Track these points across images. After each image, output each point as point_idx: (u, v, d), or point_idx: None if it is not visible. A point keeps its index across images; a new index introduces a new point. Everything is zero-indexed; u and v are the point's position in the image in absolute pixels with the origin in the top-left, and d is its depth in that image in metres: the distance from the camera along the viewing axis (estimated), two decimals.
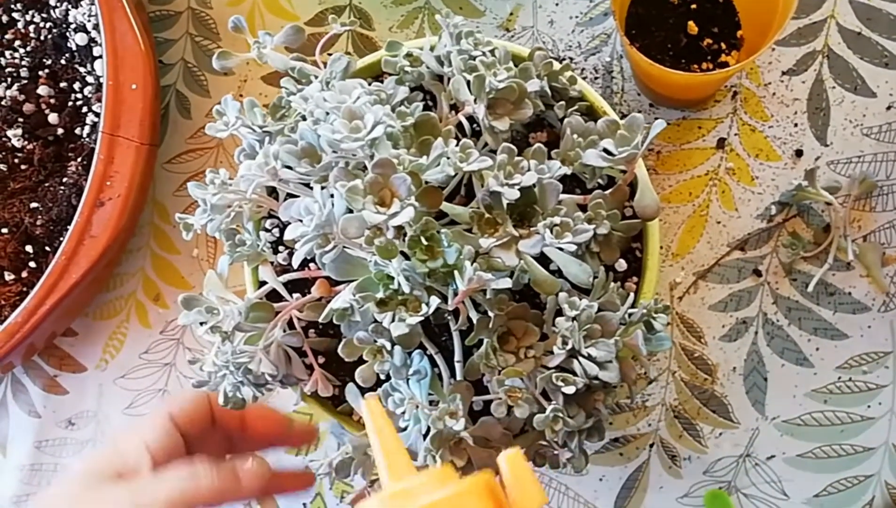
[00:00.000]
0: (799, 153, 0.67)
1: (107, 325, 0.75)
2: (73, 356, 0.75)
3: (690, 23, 0.65)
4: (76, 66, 0.74)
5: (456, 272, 0.40)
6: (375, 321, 0.43)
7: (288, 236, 0.43)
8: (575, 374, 0.45)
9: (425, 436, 0.46)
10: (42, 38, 0.75)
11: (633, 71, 0.68)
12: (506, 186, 0.42)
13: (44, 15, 0.75)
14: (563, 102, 0.53)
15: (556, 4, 0.71)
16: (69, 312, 0.72)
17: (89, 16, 0.71)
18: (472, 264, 0.40)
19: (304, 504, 0.70)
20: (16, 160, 0.74)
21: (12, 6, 0.75)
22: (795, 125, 0.67)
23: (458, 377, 0.49)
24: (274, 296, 0.54)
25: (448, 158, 0.42)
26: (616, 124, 0.47)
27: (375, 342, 0.46)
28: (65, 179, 0.71)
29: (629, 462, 0.67)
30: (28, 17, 0.75)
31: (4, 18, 0.75)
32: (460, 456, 0.46)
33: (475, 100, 0.48)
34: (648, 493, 0.66)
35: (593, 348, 0.44)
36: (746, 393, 0.66)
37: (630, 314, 0.47)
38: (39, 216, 0.71)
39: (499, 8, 0.72)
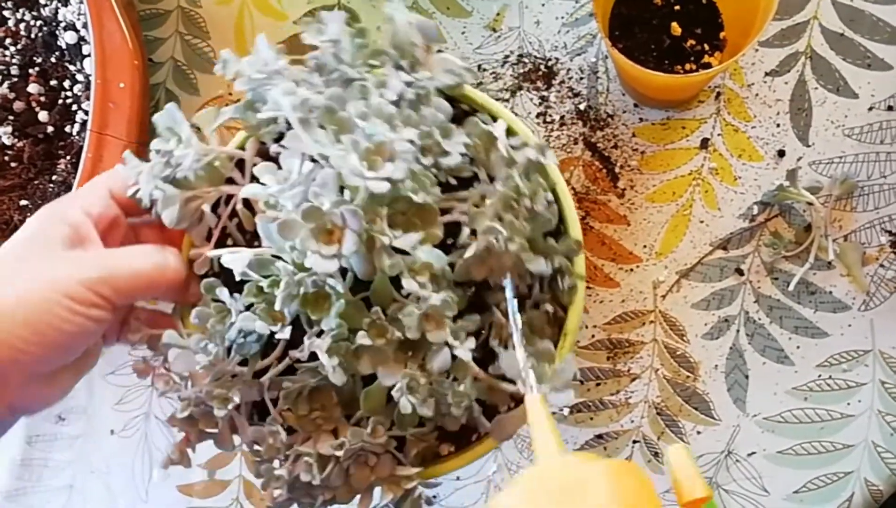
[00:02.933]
0: (781, 154, 0.67)
1: None
2: None
3: (674, 24, 0.65)
4: (66, 64, 0.74)
5: None
6: None
7: None
8: None
9: None
10: (32, 36, 0.75)
11: (618, 72, 0.68)
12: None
13: (34, 13, 0.75)
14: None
15: (543, 5, 0.71)
16: None
17: (79, 14, 0.72)
18: None
19: None
20: (5, 158, 0.74)
21: (3, 4, 0.75)
22: (778, 126, 0.68)
23: None
24: None
25: None
26: None
27: None
28: (54, 177, 0.72)
29: (612, 457, 0.67)
30: (19, 16, 0.75)
31: None
32: None
33: None
34: None
35: None
36: (728, 391, 0.67)
37: None
38: (28, 214, 0.71)
39: (486, 8, 0.72)
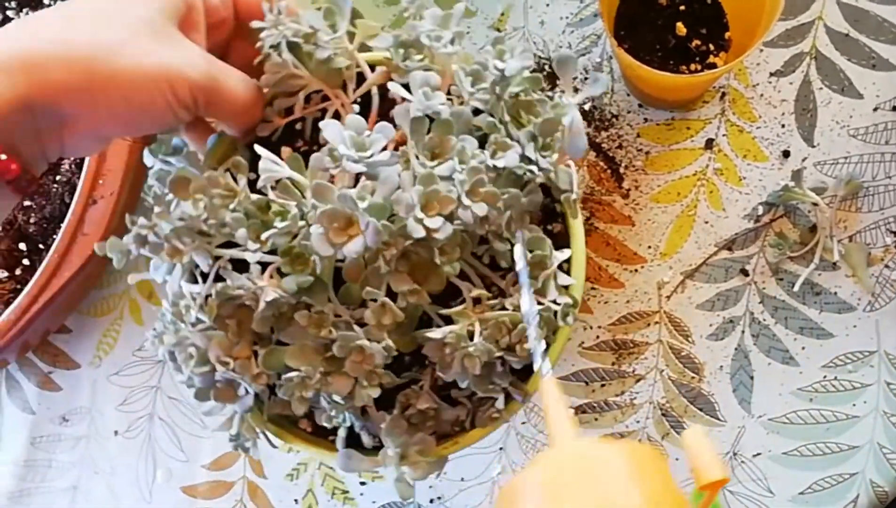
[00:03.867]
0: (786, 154, 0.67)
1: (101, 322, 0.75)
2: (67, 353, 0.76)
3: (679, 24, 0.65)
4: None
5: None
6: None
7: None
8: None
9: None
10: None
11: (623, 72, 0.68)
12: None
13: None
14: None
15: (547, 5, 0.71)
16: (63, 309, 0.72)
17: None
18: None
19: (296, 500, 0.71)
20: None
21: (6, 3, 0.75)
22: (783, 126, 0.68)
23: None
24: None
25: None
26: None
27: None
28: (58, 177, 0.72)
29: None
30: (22, 15, 0.75)
31: None
32: None
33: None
34: None
35: None
36: (733, 391, 0.66)
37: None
38: (32, 214, 0.71)
39: (490, 8, 0.72)
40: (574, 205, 0.49)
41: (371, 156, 0.45)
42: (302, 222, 0.45)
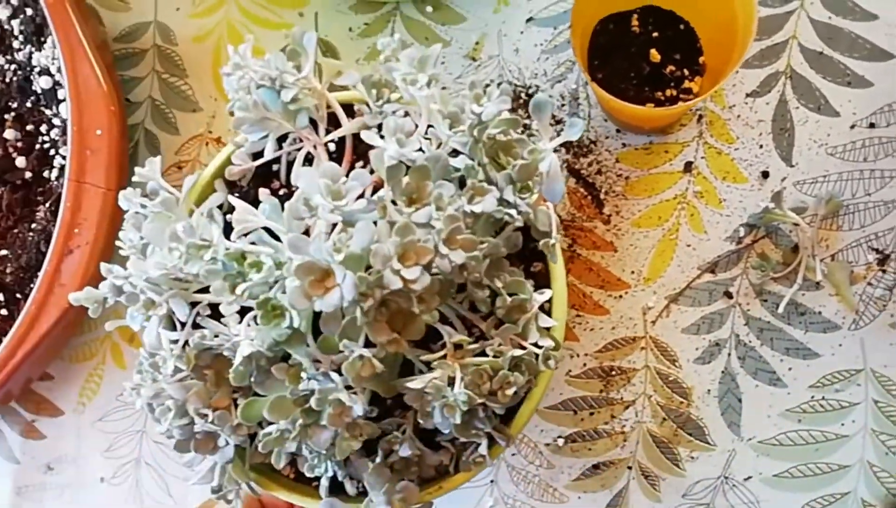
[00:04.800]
0: (765, 175, 0.67)
1: (83, 368, 0.75)
2: (51, 400, 0.75)
3: (653, 51, 0.65)
4: (42, 108, 0.73)
5: None
6: None
7: None
8: None
9: None
10: (6, 80, 0.74)
11: (598, 100, 0.68)
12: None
13: (8, 57, 0.74)
14: None
15: (521, 32, 0.71)
16: (43, 358, 0.72)
17: (52, 58, 0.71)
18: None
19: None
20: None
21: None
22: (761, 147, 0.67)
23: None
24: None
25: None
26: None
27: None
28: (33, 225, 0.71)
29: (609, 487, 0.67)
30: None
31: None
32: None
33: None
34: None
35: None
36: (722, 415, 0.66)
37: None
38: (9, 264, 0.70)
39: (464, 38, 0.72)
40: (553, 249, 0.48)
41: (347, 204, 0.44)
42: (279, 272, 0.45)
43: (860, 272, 0.66)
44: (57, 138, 0.72)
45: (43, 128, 0.73)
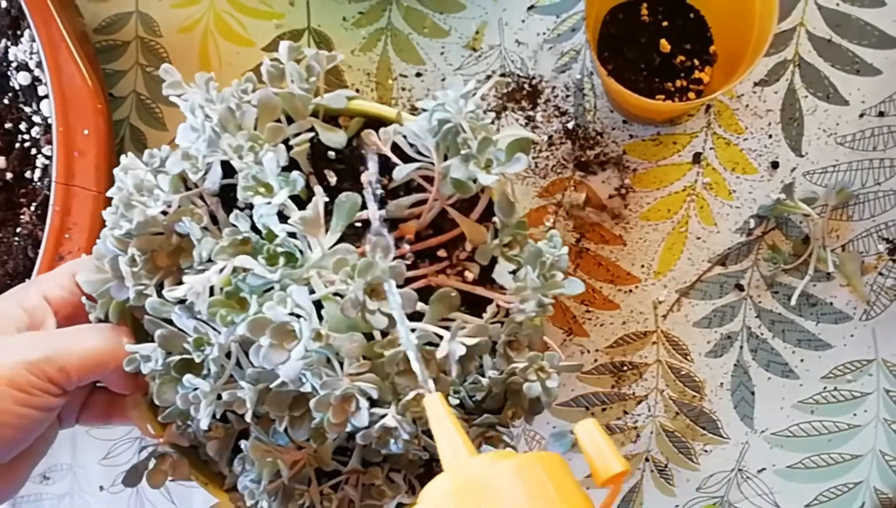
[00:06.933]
0: (775, 165, 0.66)
1: None
2: None
3: (663, 41, 0.64)
4: (21, 105, 0.69)
5: None
6: None
7: None
8: None
9: None
10: None
11: (606, 91, 0.66)
12: None
13: None
14: None
15: (523, 21, 0.69)
16: None
17: (30, 53, 0.67)
18: None
19: None
20: None
21: None
22: (770, 137, 0.67)
23: None
24: None
25: None
26: None
27: None
28: (18, 230, 0.68)
29: (624, 482, 0.67)
30: None
31: None
32: None
33: None
34: None
35: None
36: (734, 408, 0.66)
37: None
38: None
39: (464, 27, 0.69)
40: None
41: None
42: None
43: (871, 262, 0.66)
44: (38, 137, 0.69)
45: (23, 126, 0.69)
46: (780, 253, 0.65)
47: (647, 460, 0.67)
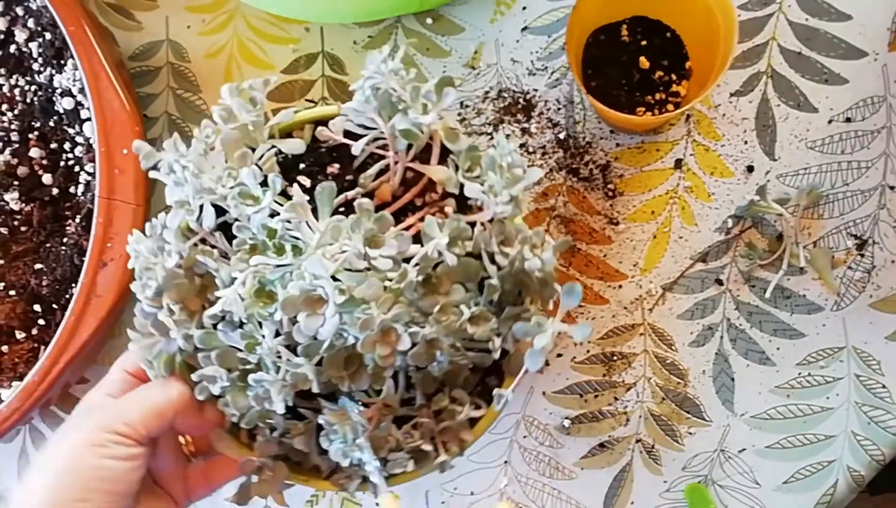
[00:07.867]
0: (750, 169, 0.72)
1: None
2: None
3: (642, 58, 0.70)
4: (65, 127, 0.77)
5: None
6: None
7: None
8: None
9: None
10: (28, 101, 0.78)
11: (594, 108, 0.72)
12: None
13: (28, 79, 0.78)
14: None
15: (517, 41, 0.75)
16: (81, 364, 0.76)
17: (73, 80, 0.75)
18: None
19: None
20: (15, 223, 0.77)
21: None
22: (745, 143, 0.72)
23: None
24: None
25: None
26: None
27: None
28: (65, 240, 0.75)
29: (614, 463, 0.72)
30: (13, 81, 0.78)
31: None
32: None
33: None
34: (633, 491, 0.72)
35: None
36: (716, 393, 0.72)
37: None
38: (45, 277, 0.74)
39: (463, 48, 0.76)
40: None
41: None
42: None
43: (840, 257, 0.71)
44: (81, 155, 0.76)
45: (66, 145, 0.77)
46: (756, 250, 0.71)
47: (637, 441, 0.72)
